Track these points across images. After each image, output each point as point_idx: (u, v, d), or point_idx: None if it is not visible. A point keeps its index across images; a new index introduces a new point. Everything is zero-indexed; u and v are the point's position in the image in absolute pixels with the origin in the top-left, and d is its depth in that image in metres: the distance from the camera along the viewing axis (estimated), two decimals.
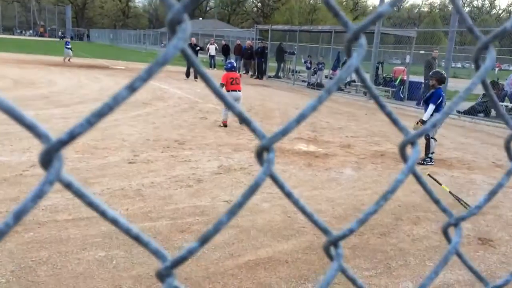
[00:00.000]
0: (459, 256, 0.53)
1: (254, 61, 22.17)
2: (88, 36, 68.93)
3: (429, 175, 4.84)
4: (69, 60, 21.93)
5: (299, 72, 21.37)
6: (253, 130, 0.35)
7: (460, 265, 3.60)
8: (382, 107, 0.40)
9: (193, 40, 21.30)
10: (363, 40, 0.33)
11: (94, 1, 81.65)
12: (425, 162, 6.69)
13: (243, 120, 0.35)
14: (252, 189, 0.33)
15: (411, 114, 12.42)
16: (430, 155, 6.73)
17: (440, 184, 4.78)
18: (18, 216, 0.26)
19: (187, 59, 0.30)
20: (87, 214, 4.01)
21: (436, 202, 0.50)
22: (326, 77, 18.67)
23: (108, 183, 4.86)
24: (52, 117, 8.18)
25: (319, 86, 18.25)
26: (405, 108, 13.78)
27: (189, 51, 0.29)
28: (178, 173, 5.46)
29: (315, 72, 19.05)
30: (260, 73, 21.47)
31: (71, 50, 22.12)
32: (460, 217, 0.50)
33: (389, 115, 0.41)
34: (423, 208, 4.80)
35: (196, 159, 6.11)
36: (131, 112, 9.26)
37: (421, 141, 7.22)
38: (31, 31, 79.18)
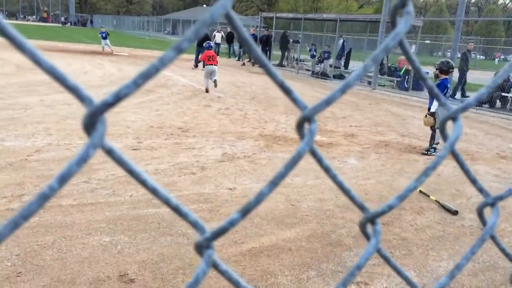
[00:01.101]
0: (493, 238, 0.52)
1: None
2: (91, 22, 68.55)
3: (420, 191, 4.84)
4: (110, 49, 20.50)
5: (303, 61, 21.24)
6: (294, 100, 0.34)
7: (463, 254, 3.62)
8: (424, 80, 0.39)
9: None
10: (410, 7, 0.32)
11: None
12: (429, 152, 6.67)
13: (284, 90, 0.34)
14: (295, 160, 0.32)
15: (415, 104, 12.37)
16: (434, 145, 6.71)
17: (428, 196, 4.77)
18: (63, 179, 0.25)
19: (231, 23, 0.29)
20: (92, 200, 4.02)
21: (473, 181, 0.49)
22: (330, 66, 18.54)
23: (113, 169, 4.87)
24: (55, 102, 8.17)
25: (324, 75, 18.15)
26: (409, 98, 13.71)
27: (234, 14, 0.28)
28: (182, 160, 5.46)
29: (319, 61, 18.92)
30: None
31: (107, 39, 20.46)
32: (497, 197, 0.49)
33: (431, 89, 0.40)
34: (427, 197, 4.80)
35: (200, 147, 6.11)
36: (134, 99, 9.24)
37: (428, 131, 7.20)
38: (34, 17, 78.80)
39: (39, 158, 5.05)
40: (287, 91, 0.33)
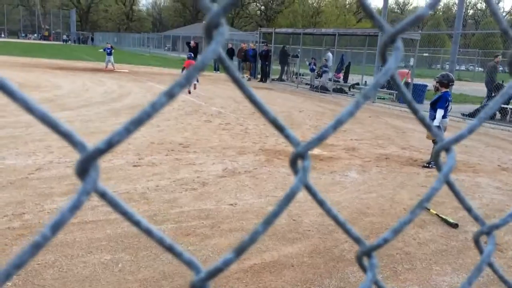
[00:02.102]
0: (490, 265, 0.52)
1: (251, 63, 22.19)
2: (92, 39, 69.22)
3: None
4: (112, 66, 20.46)
5: (302, 75, 21.36)
6: (287, 136, 0.34)
7: (467, 268, 3.58)
8: (415, 112, 0.39)
9: (193, 42, 21.38)
10: (399, 43, 0.32)
11: (99, 4, 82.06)
12: (430, 165, 6.66)
13: (277, 127, 0.34)
14: (288, 198, 0.32)
15: (415, 117, 12.37)
16: None
17: (429, 210, 4.76)
18: (56, 227, 0.25)
19: (223, 64, 0.29)
20: (93, 218, 4.01)
21: (468, 210, 0.48)
22: (330, 79, 18.63)
23: (113, 186, 4.86)
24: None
25: (323, 89, 18.23)
26: (409, 111, 13.68)
27: (225, 56, 0.28)
28: (183, 176, 5.45)
29: (319, 75, 19.02)
30: (264, 76, 21.48)
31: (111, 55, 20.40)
32: (493, 225, 0.49)
33: (422, 120, 0.40)
34: (427, 211, 4.77)
35: (201, 162, 6.11)
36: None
37: (428, 144, 7.20)
38: (35, 35, 79.64)
39: (40, 176, 5.05)
40: (280, 128, 0.33)
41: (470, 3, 69.28)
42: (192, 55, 15.12)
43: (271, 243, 3.79)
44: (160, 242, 0.31)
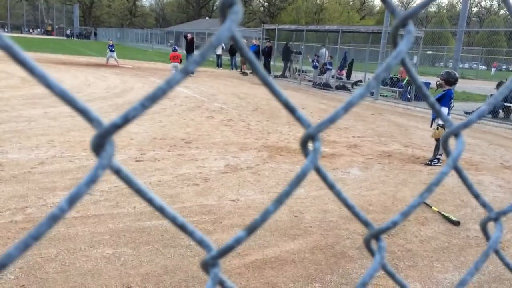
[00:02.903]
0: (497, 252, 0.52)
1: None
2: (95, 34, 69.22)
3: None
4: (116, 62, 20.70)
5: (305, 72, 21.33)
6: (298, 118, 0.35)
7: (469, 266, 3.58)
8: (426, 97, 0.39)
9: (189, 36, 21.55)
10: (411, 26, 0.32)
11: (102, 0, 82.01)
12: (432, 163, 6.65)
13: (288, 109, 0.34)
14: (299, 178, 0.32)
15: (417, 115, 12.37)
16: (438, 156, 6.69)
17: (431, 207, 4.75)
18: (72, 200, 0.25)
19: (236, 45, 0.30)
20: (95, 212, 4.02)
21: (476, 196, 0.49)
22: (332, 77, 18.61)
23: (116, 181, 4.87)
24: (60, 115, 8.22)
25: (326, 86, 18.20)
26: (412, 108, 13.72)
27: (239, 35, 0.28)
28: (185, 171, 5.46)
29: (321, 72, 19.00)
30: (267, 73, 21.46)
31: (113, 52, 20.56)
32: (501, 212, 0.49)
33: (432, 105, 0.41)
34: (429, 208, 4.77)
35: (203, 158, 6.12)
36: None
37: (431, 141, 7.19)
38: (39, 30, 79.67)
39: (43, 170, 5.07)
40: (291, 109, 0.33)
41: (474, 1, 68.99)
42: (176, 48, 17.45)
43: (273, 239, 3.80)
44: (173, 220, 0.32)
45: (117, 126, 0.27)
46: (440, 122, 6.29)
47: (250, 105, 11.68)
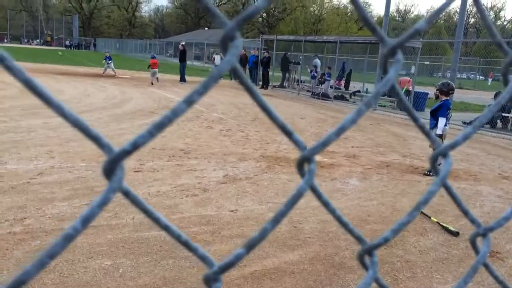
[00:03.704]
0: (486, 266, 0.53)
1: (253, 70, 22.43)
2: (94, 45, 69.58)
3: (421, 212, 4.86)
4: (114, 72, 20.98)
5: (304, 82, 21.44)
6: (295, 141, 0.36)
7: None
8: (415, 120, 0.41)
9: (181, 46, 22.03)
10: (399, 55, 0.34)
11: (101, 10, 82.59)
12: (431, 173, 6.66)
13: (285, 132, 0.36)
14: (295, 199, 0.34)
15: (416, 125, 12.40)
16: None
17: (430, 218, 4.77)
18: (86, 221, 0.27)
19: (236, 74, 0.31)
20: (94, 223, 4.02)
21: (465, 213, 0.50)
22: (331, 87, 18.70)
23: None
24: (60, 125, 8.23)
25: (324, 96, 18.28)
26: (410, 119, 13.75)
27: (240, 67, 0.30)
28: (184, 182, 5.47)
29: (320, 82, 19.10)
30: (265, 83, 21.56)
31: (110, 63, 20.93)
32: (488, 228, 0.51)
33: (421, 128, 0.42)
34: (428, 219, 4.77)
35: (202, 168, 6.13)
36: (137, 121, 9.31)
37: (429, 151, 7.21)
38: (38, 40, 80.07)
39: (42, 181, 5.07)
40: (288, 133, 0.35)
41: (471, 12, 69.59)
42: (155, 55, 19.59)
43: (272, 250, 3.80)
44: (177, 238, 0.33)
45: (126, 152, 0.29)
46: (438, 132, 6.32)
47: (249, 115, 11.72)
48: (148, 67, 18.97)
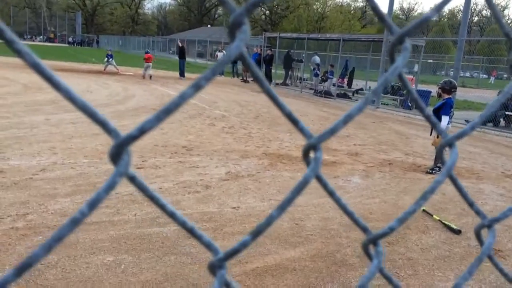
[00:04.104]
0: (490, 258, 0.53)
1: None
2: (97, 42, 69.62)
3: (424, 210, 4.87)
4: (116, 69, 21.10)
5: (306, 80, 21.41)
6: (301, 129, 0.36)
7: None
8: (422, 109, 0.41)
9: (180, 43, 22.53)
10: (407, 43, 0.34)
11: (104, 7, 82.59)
12: (433, 171, 6.65)
13: (292, 120, 0.36)
14: (301, 186, 0.34)
15: (418, 123, 12.39)
16: (439, 165, 6.70)
17: (432, 216, 4.76)
18: (92, 205, 0.27)
19: (244, 61, 0.31)
20: (96, 219, 4.03)
21: (471, 204, 0.50)
22: (334, 85, 18.67)
23: (117, 188, 4.85)
24: (62, 121, 8.25)
25: (327, 94, 18.25)
26: (413, 117, 13.74)
27: (248, 56, 0.30)
28: (186, 179, 5.47)
29: (322, 80, 19.07)
30: (268, 81, 21.53)
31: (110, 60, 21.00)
32: (494, 219, 0.51)
33: (427, 118, 0.42)
34: (430, 217, 4.77)
35: (204, 165, 6.13)
36: (139, 118, 9.32)
37: (432, 150, 7.20)
38: (41, 37, 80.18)
39: (44, 177, 5.08)
40: (294, 121, 0.35)
41: (475, 10, 69.28)
42: (148, 50, 21.13)
43: (273, 247, 3.80)
44: (183, 225, 0.33)
45: (133, 137, 0.29)
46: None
47: (251, 113, 11.71)
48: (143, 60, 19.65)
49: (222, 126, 9.28)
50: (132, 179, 0.30)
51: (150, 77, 18.87)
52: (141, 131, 0.28)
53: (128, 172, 0.29)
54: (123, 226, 3.94)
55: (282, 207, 0.34)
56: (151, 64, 19.25)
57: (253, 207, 4.69)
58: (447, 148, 0.44)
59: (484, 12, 72.79)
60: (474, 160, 7.88)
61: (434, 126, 0.43)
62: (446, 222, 4.57)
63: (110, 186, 0.28)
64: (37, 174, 5.14)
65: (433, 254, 3.94)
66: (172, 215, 0.33)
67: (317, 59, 20.04)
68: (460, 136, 0.43)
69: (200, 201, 4.76)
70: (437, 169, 6.68)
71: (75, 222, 0.26)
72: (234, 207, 4.64)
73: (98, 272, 3.17)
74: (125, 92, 13.94)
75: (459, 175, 6.74)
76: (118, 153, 0.28)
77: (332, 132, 0.36)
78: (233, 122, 9.93)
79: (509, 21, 73.55)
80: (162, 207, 0.32)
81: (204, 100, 13.31)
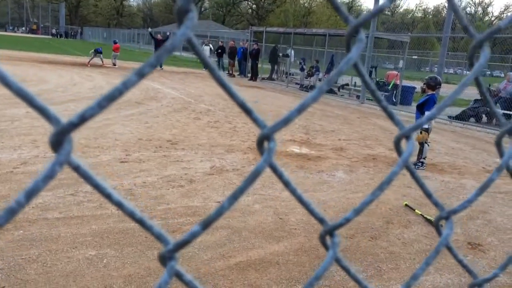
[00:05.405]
0: (449, 249, 0.54)
1: (242, 61, 22.46)
2: (81, 34, 68.56)
3: (406, 204, 4.95)
4: (102, 62, 21.12)
5: (292, 75, 21.42)
6: (254, 119, 0.36)
7: (450, 269, 3.64)
8: (379, 101, 0.41)
9: (159, 36, 22.88)
10: (362, 34, 0.34)
11: None
12: (416, 167, 6.74)
13: (245, 110, 0.35)
14: (253, 176, 0.34)
15: (403, 119, 12.48)
16: (422, 160, 6.78)
17: (414, 210, 4.84)
18: (30, 195, 0.26)
19: (193, 49, 0.31)
20: (78, 213, 3.99)
21: (429, 196, 0.51)
22: (320, 80, 18.72)
23: (101, 181, 4.83)
24: None
25: (313, 89, 18.29)
26: (397, 112, 13.85)
27: (196, 40, 0.30)
28: (170, 173, 5.44)
29: (309, 75, 19.11)
30: (254, 75, 21.50)
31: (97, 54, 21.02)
32: (451, 210, 0.52)
33: (384, 109, 0.42)
34: (412, 211, 4.83)
35: (189, 160, 6.11)
36: (124, 111, 9.22)
37: (416, 145, 7.29)
38: (23, 28, 78.62)
39: (25, 170, 5.00)
40: (247, 111, 0.35)
41: (459, 7, 69.97)
42: (116, 40, 23.41)
43: (257, 241, 3.81)
44: (131, 215, 0.33)
45: (74, 125, 0.28)
46: (424, 126, 6.38)
47: (236, 107, 11.53)
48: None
49: (207, 121, 9.24)
50: (76, 168, 0.29)
51: (114, 64, 21.14)
52: (82, 119, 0.28)
53: (71, 161, 0.28)
54: (105, 220, 3.90)
55: (235, 197, 0.34)
56: (118, 53, 21.60)
57: (237, 202, 4.69)
58: (403, 139, 0.45)
59: (468, 10, 73.72)
60: (456, 156, 8.00)
61: (391, 118, 0.44)
62: (428, 217, 4.64)
63: (49, 175, 0.27)
64: (18, 168, 5.06)
65: (415, 248, 4.00)
66: (119, 205, 0.32)
67: (290, 52, 20.33)
68: (416, 127, 0.44)
69: (185, 195, 4.74)
70: (419, 164, 6.77)
71: (11, 212, 0.25)
72: (219, 201, 4.63)
73: (80, 266, 3.14)
74: (109, 85, 13.76)
75: (441, 170, 6.84)
76: (58, 141, 0.28)
77: (285, 122, 0.36)
78: (218, 117, 9.90)
79: (492, 18, 74.58)
80: (108, 196, 0.32)
81: (190, 94, 13.24)
